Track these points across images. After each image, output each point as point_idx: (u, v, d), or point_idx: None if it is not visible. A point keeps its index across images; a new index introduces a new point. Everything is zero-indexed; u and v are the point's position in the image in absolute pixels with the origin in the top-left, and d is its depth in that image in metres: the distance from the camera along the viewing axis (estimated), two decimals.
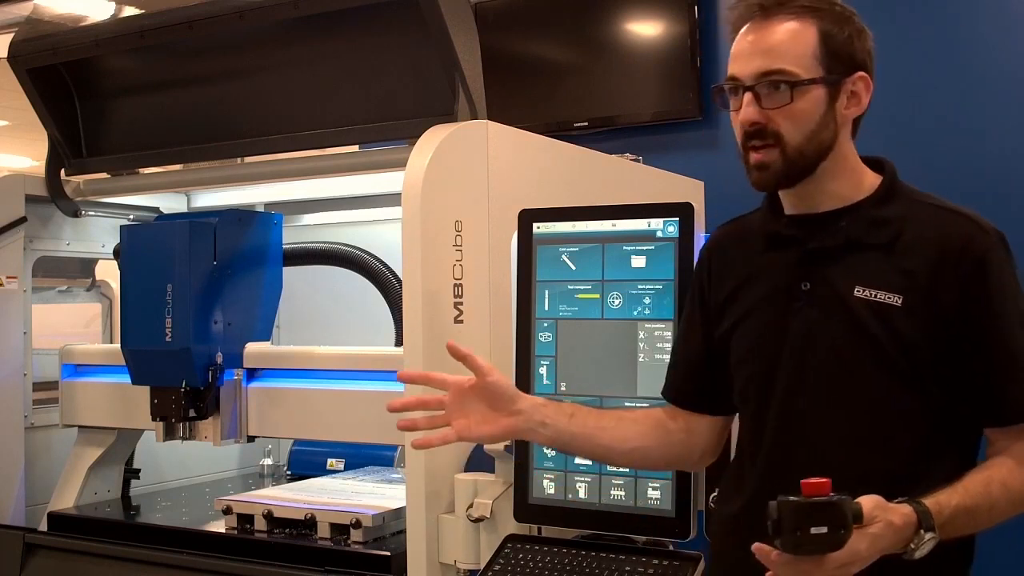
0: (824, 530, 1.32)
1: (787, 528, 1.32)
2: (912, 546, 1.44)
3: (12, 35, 2.84)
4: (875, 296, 1.60)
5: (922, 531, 1.44)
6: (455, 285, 2.05)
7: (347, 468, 2.96)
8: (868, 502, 1.41)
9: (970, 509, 1.50)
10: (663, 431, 1.76)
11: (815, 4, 1.64)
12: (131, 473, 2.94)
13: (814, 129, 1.62)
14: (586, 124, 3.82)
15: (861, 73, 1.65)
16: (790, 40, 1.62)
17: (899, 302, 1.59)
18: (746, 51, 1.64)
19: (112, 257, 3.03)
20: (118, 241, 2.77)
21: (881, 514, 1.42)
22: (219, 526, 2.47)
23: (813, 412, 1.66)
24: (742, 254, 1.75)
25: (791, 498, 1.33)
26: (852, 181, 1.68)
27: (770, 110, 1.62)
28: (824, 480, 1.34)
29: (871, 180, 1.69)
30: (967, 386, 1.59)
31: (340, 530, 2.30)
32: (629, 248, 1.83)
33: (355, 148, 2.78)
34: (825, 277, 1.66)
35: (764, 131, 1.63)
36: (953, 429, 1.62)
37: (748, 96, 1.62)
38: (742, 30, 1.66)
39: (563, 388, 1.87)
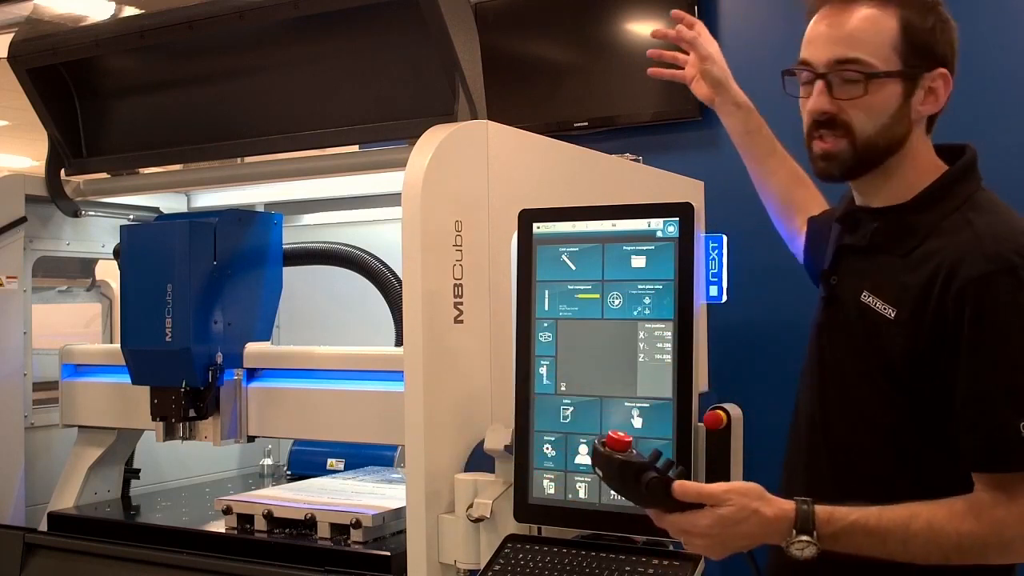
0: (602, 476, 1.51)
1: (593, 463, 1.53)
2: (785, 543, 1.45)
3: (12, 35, 2.84)
4: (875, 304, 1.56)
5: (795, 531, 1.43)
6: (455, 285, 2.05)
7: (347, 468, 2.96)
8: (725, 486, 1.46)
9: (874, 531, 1.44)
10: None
11: None
12: (131, 473, 2.93)
13: (887, 123, 1.56)
14: (586, 124, 3.82)
15: (942, 69, 1.57)
16: (869, 28, 1.54)
17: (892, 315, 1.54)
18: (822, 36, 1.57)
19: (112, 257, 3.03)
20: (118, 241, 2.77)
21: (738, 499, 1.44)
22: (219, 526, 2.47)
23: (818, 415, 1.67)
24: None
25: (596, 441, 1.51)
26: (914, 179, 1.61)
27: (842, 100, 1.55)
28: (624, 439, 1.48)
29: (932, 175, 1.61)
30: (949, 418, 1.51)
31: (340, 530, 2.30)
32: (629, 248, 1.83)
33: (355, 148, 2.78)
34: (847, 275, 1.64)
35: (834, 121, 1.57)
36: (929, 464, 1.55)
37: (820, 84, 1.56)
38: (819, 12, 1.58)
39: (563, 388, 1.87)
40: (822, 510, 1.45)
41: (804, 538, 1.43)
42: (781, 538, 1.45)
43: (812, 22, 1.61)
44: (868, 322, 1.58)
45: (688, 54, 2.13)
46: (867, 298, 1.58)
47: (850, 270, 1.65)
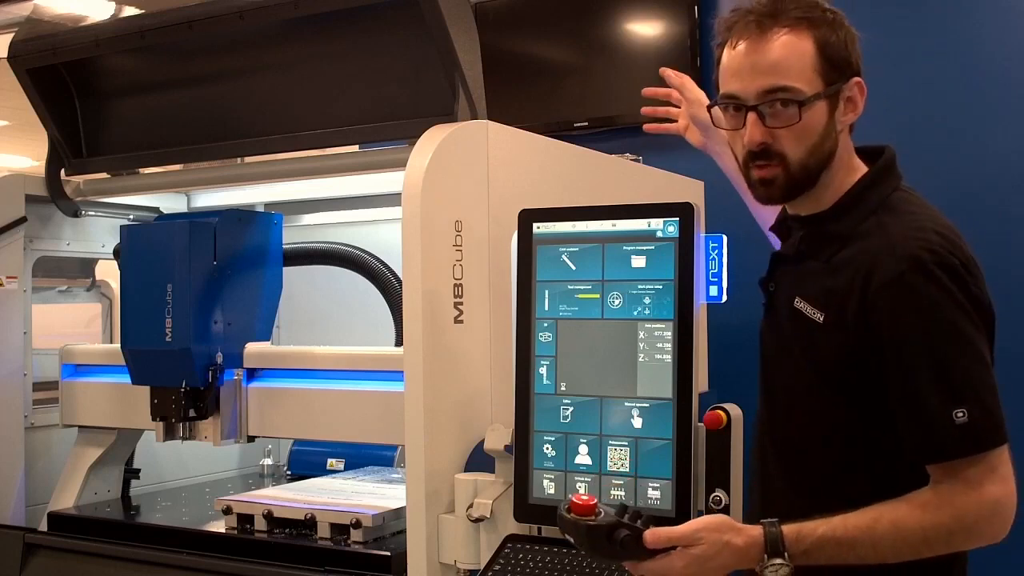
0: (575, 543, 1.51)
1: (562, 530, 1.52)
2: (758, 567, 1.49)
3: (12, 35, 2.84)
4: (805, 310, 1.61)
5: (766, 556, 1.47)
6: (455, 285, 2.05)
7: (347, 468, 2.96)
8: (695, 525, 1.48)
9: (843, 541, 1.48)
10: None
11: (807, 13, 1.59)
12: (131, 473, 2.93)
13: (816, 143, 1.61)
14: (586, 124, 3.82)
15: (857, 79, 1.62)
16: (791, 54, 1.58)
17: (820, 319, 1.59)
18: (746, 68, 1.60)
19: (112, 257, 3.03)
20: (118, 241, 2.77)
21: (709, 535, 1.47)
22: (219, 526, 2.47)
23: (764, 416, 1.72)
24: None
25: (560, 509, 1.52)
26: (837, 185, 1.66)
27: (776, 128, 1.59)
28: (586, 504, 1.48)
29: (852, 181, 1.67)
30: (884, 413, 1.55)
31: (340, 530, 2.30)
32: (629, 248, 1.83)
33: (355, 148, 2.78)
34: (780, 283, 1.71)
35: (769, 151, 1.61)
36: (875, 450, 1.59)
37: (752, 116, 1.59)
38: (734, 42, 1.61)
39: (563, 388, 1.87)
40: (789, 530, 1.49)
41: (777, 561, 1.47)
42: (754, 563, 1.50)
43: (728, 54, 1.63)
44: (801, 327, 1.63)
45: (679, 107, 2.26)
46: (799, 304, 1.64)
47: (784, 277, 1.72)
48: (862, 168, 1.69)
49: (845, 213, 1.64)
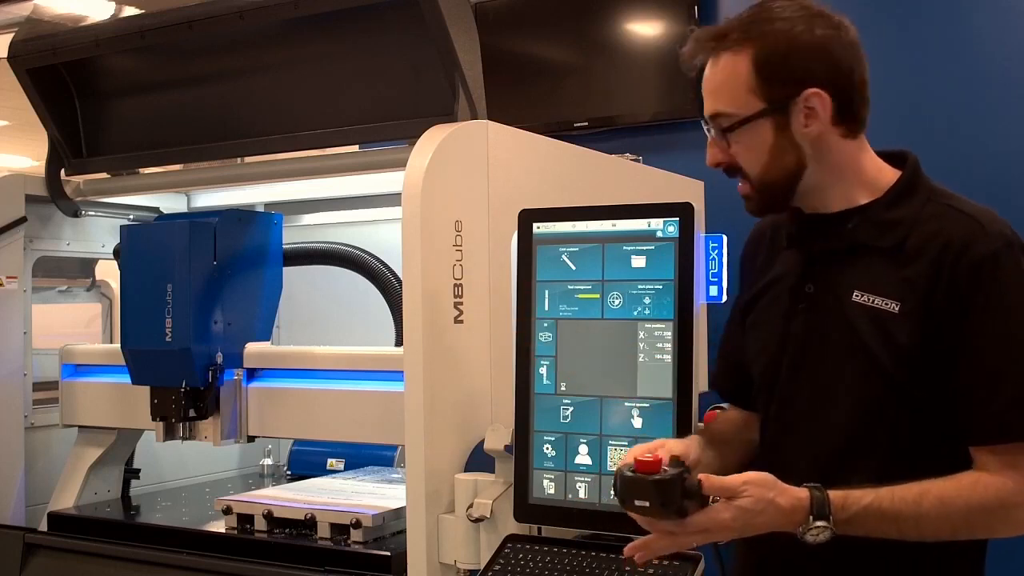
0: (647, 504, 1.45)
1: (620, 498, 1.47)
2: (800, 530, 1.46)
3: (12, 35, 2.84)
4: (872, 302, 1.58)
5: (811, 517, 1.45)
6: (455, 285, 2.05)
7: (347, 468, 2.96)
8: (742, 478, 1.45)
9: (888, 513, 1.47)
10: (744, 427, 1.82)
11: (752, 30, 1.59)
12: (131, 473, 2.93)
13: (768, 160, 1.61)
14: (586, 124, 3.82)
15: (812, 90, 1.59)
16: (726, 78, 1.61)
17: (896, 308, 1.56)
18: (703, 91, 1.66)
19: (112, 257, 3.02)
20: (118, 241, 2.77)
21: (755, 490, 1.45)
22: (219, 526, 2.47)
23: (808, 416, 1.67)
24: (771, 251, 1.78)
25: (624, 472, 1.46)
26: (861, 182, 1.64)
27: (728, 148, 1.64)
28: (654, 459, 1.44)
29: (888, 177, 1.65)
30: (951, 397, 1.54)
31: (340, 530, 2.30)
32: (629, 248, 1.83)
33: (355, 148, 2.78)
34: (827, 280, 1.65)
35: (731, 168, 1.65)
36: (941, 443, 1.58)
37: (710, 138, 1.65)
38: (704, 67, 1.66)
39: (563, 388, 1.87)
40: (836, 495, 1.47)
41: (820, 523, 1.45)
42: (796, 526, 1.47)
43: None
44: (869, 320, 1.58)
45: None
46: (861, 297, 1.59)
47: (828, 274, 1.66)
48: (885, 165, 1.67)
49: (904, 198, 1.62)
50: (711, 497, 1.46)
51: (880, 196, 1.64)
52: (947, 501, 1.49)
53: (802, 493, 1.47)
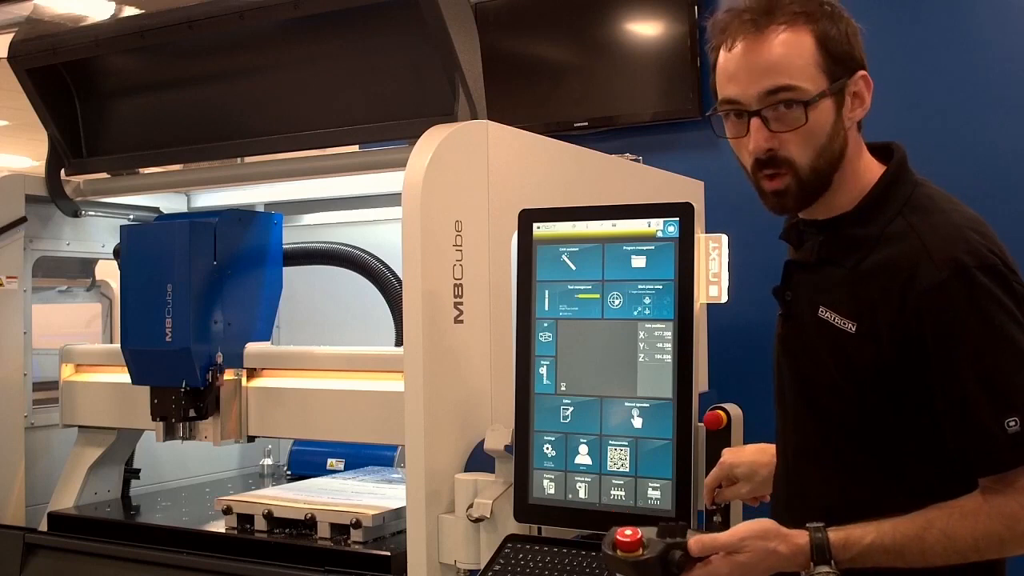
0: None
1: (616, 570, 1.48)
2: (804, 574, 1.45)
3: (12, 35, 2.84)
4: (833, 320, 1.54)
5: (813, 564, 1.44)
6: (455, 285, 2.05)
7: (347, 468, 2.96)
8: (740, 533, 1.44)
9: (891, 549, 1.45)
10: None
11: (804, 7, 1.50)
12: (131, 473, 2.94)
13: (824, 144, 1.52)
14: (586, 124, 3.82)
15: (862, 72, 1.54)
16: (791, 52, 1.49)
17: (853, 329, 1.51)
18: (743, 70, 1.51)
19: (112, 257, 3.03)
20: (118, 241, 2.77)
21: (754, 544, 1.44)
22: (219, 526, 2.47)
23: (791, 426, 1.66)
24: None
25: (605, 551, 1.46)
26: (854, 186, 1.58)
27: (781, 133, 1.51)
28: (632, 539, 1.43)
29: (871, 178, 1.58)
30: (931, 422, 1.49)
31: (340, 530, 2.30)
32: (629, 248, 1.83)
33: (355, 148, 2.78)
34: (800, 291, 1.62)
35: (776, 158, 1.52)
36: (915, 458, 1.53)
37: (756, 122, 1.51)
38: (729, 45, 1.52)
39: (563, 388, 1.87)
40: (836, 537, 1.45)
41: (823, 569, 1.44)
42: (800, 569, 1.46)
43: (725, 56, 1.54)
44: (829, 337, 1.55)
45: None
46: (824, 313, 1.55)
47: (803, 285, 1.62)
48: (875, 165, 1.60)
49: (869, 215, 1.55)
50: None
51: (854, 206, 1.57)
52: (952, 533, 1.45)
53: (802, 539, 1.45)
